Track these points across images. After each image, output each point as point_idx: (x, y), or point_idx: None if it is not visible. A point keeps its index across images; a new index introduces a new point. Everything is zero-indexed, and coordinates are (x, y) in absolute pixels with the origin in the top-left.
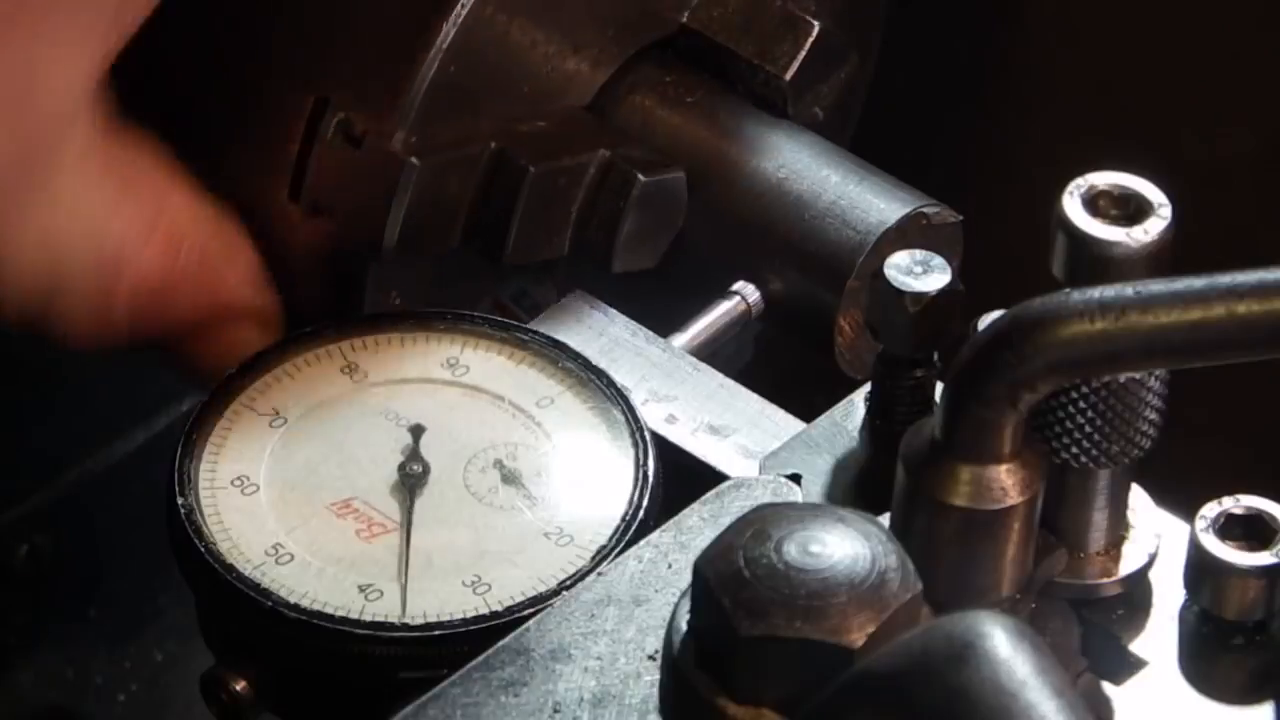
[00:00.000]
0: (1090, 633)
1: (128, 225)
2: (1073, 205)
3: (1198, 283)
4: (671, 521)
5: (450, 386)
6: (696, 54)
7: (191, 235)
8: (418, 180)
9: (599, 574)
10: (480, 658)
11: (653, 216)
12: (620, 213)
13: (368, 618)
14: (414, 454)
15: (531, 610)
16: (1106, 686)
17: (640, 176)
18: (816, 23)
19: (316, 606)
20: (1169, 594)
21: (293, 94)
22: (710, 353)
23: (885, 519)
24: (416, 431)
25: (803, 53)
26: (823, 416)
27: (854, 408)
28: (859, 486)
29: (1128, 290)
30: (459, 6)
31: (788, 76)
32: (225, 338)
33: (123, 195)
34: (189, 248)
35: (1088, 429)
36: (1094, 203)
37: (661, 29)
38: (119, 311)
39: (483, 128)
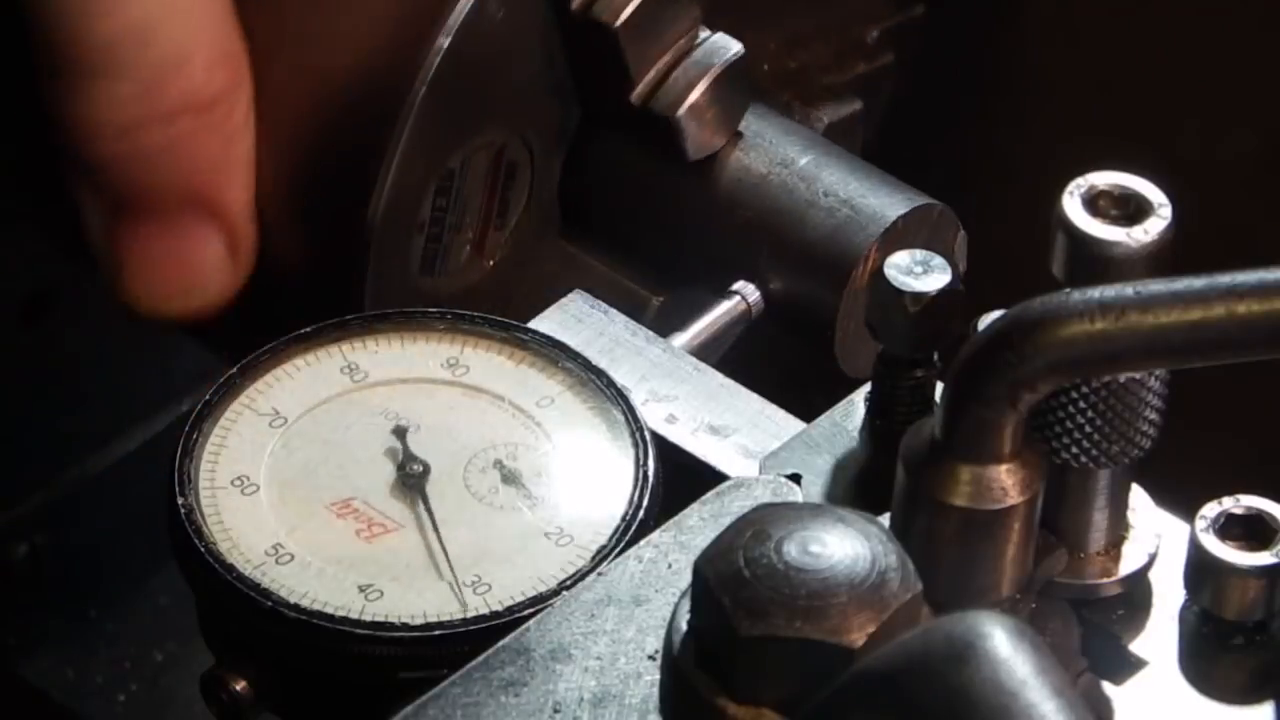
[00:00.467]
0: (1090, 633)
1: (214, 34)
2: (1073, 205)
3: (1198, 283)
4: (671, 521)
5: (450, 386)
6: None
7: (243, 93)
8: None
9: (599, 574)
10: (480, 658)
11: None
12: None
13: (368, 618)
14: (408, 455)
15: (531, 610)
16: (1106, 686)
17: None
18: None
19: (316, 606)
20: (1169, 594)
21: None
22: (710, 353)
23: (885, 519)
24: (400, 433)
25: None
26: (823, 416)
27: (854, 408)
28: (859, 486)
29: (1128, 290)
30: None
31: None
32: (191, 233)
33: (224, 16)
34: (235, 102)
35: (1088, 429)
36: (1094, 203)
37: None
38: (157, 108)
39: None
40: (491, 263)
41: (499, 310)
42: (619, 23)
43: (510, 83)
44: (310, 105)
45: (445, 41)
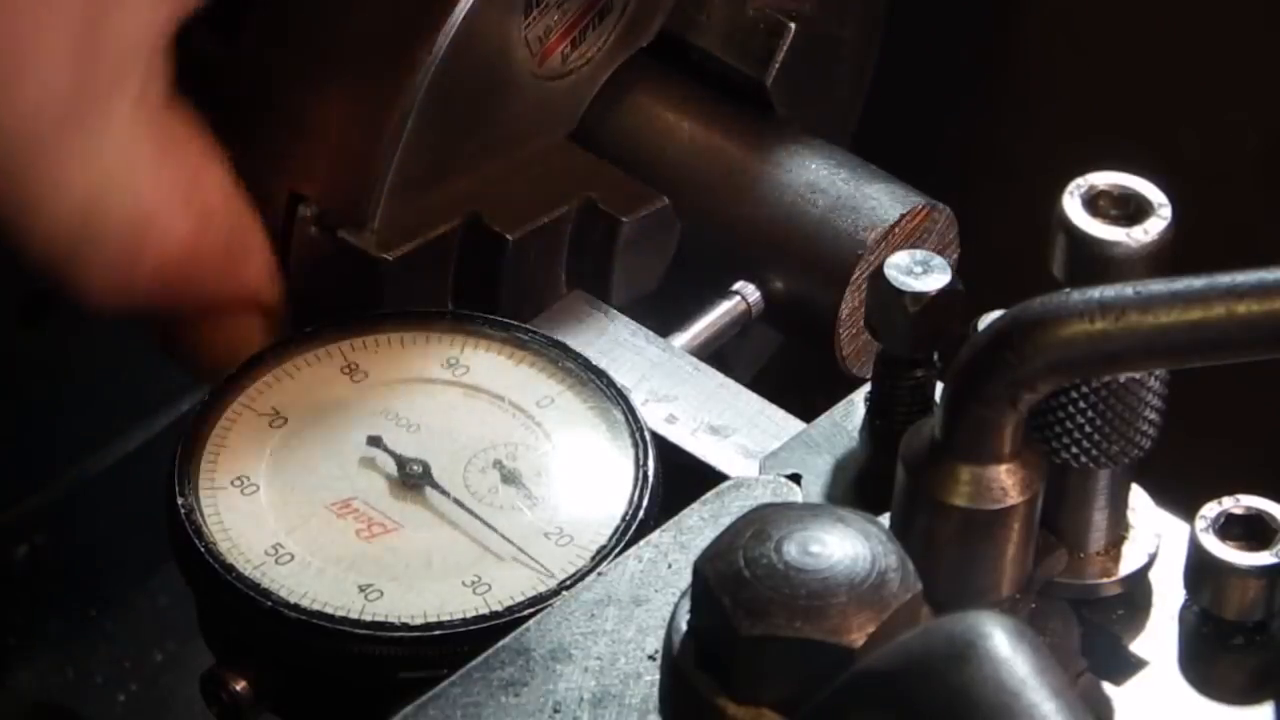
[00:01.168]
0: (1090, 633)
1: (167, 191)
2: (1073, 205)
3: (1198, 283)
4: (671, 521)
5: (450, 386)
6: (680, 60)
7: (221, 215)
8: (393, 275)
9: (599, 574)
10: (480, 658)
11: (645, 249)
12: (611, 256)
13: (368, 618)
14: (399, 458)
15: (531, 610)
16: (1106, 686)
17: (624, 219)
18: (792, 24)
19: (316, 606)
20: (1169, 594)
21: (274, 182)
22: (711, 353)
23: (885, 519)
24: (376, 442)
25: (780, 54)
26: (823, 416)
27: (854, 408)
28: (859, 486)
29: (1128, 290)
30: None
31: (768, 81)
32: (233, 327)
33: (166, 160)
34: (218, 226)
35: (1088, 429)
36: (1094, 203)
37: (643, 37)
38: (142, 276)
39: (460, 188)
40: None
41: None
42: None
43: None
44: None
45: (448, 38)
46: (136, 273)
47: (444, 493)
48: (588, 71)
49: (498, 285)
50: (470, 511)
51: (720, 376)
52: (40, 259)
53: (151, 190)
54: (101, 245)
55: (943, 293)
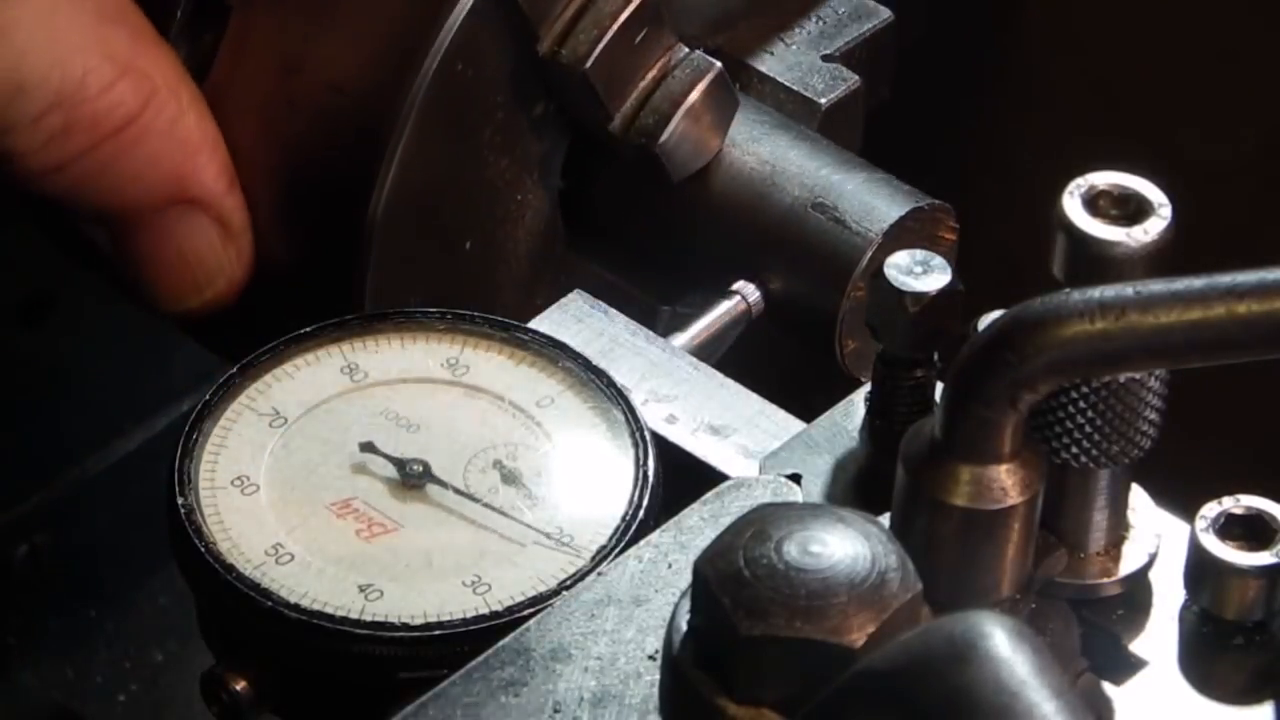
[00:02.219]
0: (1090, 633)
1: (100, 57)
2: (1073, 205)
3: (1198, 283)
4: (671, 521)
5: (450, 386)
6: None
7: (166, 94)
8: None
9: (599, 574)
10: (480, 658)
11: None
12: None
13: (368, 618)
14: (396, 460)
15: (531, 610)
16: (1106, 686)
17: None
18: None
19: (316, 606)
20: (1169, 594)
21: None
22: (710, 353)
23: (885, 519)
24: (369, 447)
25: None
26: (823, 416)
27: (854, 408)
28: (859, 486)
29: (1128, 290)
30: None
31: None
32: (183, 234)
33: (101, 27)
34: (161, 104)
35: (1088, 429)
36: (1094, 203)
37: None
38: (77, 143)
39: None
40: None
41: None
42: (587, 65)
43: (493, 120)
44: (311, 104)
45: (419, 94)
46: (71, 139)
47: (445, 485)
48: None
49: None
50: (473, 498)
51: (720, 376)
52: None
53: (83, 53)
54: (33, 101)
55: (943, 293)
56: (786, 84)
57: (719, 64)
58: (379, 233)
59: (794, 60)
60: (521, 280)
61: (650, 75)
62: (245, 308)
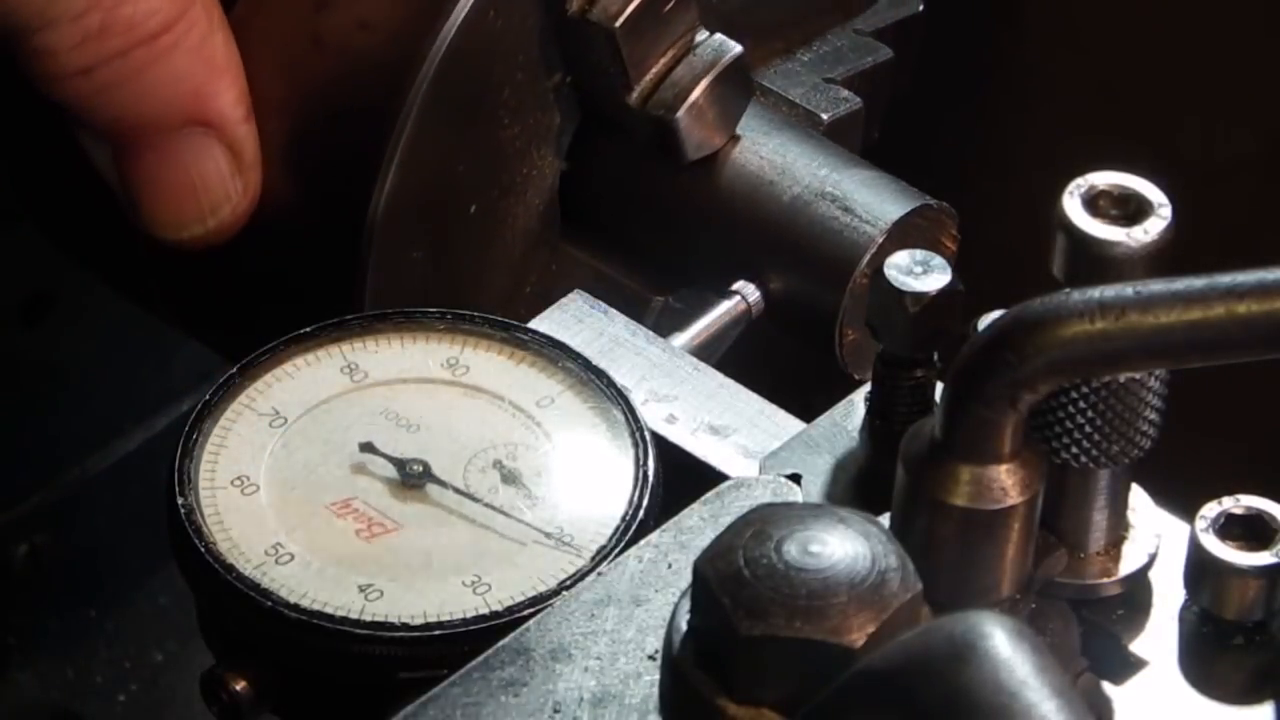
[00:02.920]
0: (1090, 633)
1: None
2: (1073, 205)
3: (1198, 283)
4: (671, 521)
5: (450, 386)
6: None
7: (200, 9)
8: None
9: (599, 574)
10: (480, 658)
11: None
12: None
13: (368, 618)
14: (396, 461)
15: (531, 610)
16: (1106, 686)
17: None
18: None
19: (316, 606)
20: (1169, 594)
21: None
22: (710, 353)
23: (885, 519)
24: (369, 448)
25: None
26: (823, 416)
27: (854, 408)
28: (859, 486)
29: (1128, 290)
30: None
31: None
32: (194, 151)
33: None
34: (195, 19)
35: (1088, 429)
36: (1094, 203)
37: None
38: (110, 45)
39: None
40: None
41: None
42: (618, 24)
43: (512, 80)
44: (338, 41)
45: (447, 39)
46: (102, 48)
47: (444, 484)
48: None
49: None
50: (473, 498)
51: (720, 376)
52: (14, 29)
53: None
54: (68, 9)
55: (943, 293)
56: (791, 99)
57: (740, 47)
58: (396, 170)
59: (797, 79)
60: (514, 260)
61: (673, 50)
62: (245, 308)
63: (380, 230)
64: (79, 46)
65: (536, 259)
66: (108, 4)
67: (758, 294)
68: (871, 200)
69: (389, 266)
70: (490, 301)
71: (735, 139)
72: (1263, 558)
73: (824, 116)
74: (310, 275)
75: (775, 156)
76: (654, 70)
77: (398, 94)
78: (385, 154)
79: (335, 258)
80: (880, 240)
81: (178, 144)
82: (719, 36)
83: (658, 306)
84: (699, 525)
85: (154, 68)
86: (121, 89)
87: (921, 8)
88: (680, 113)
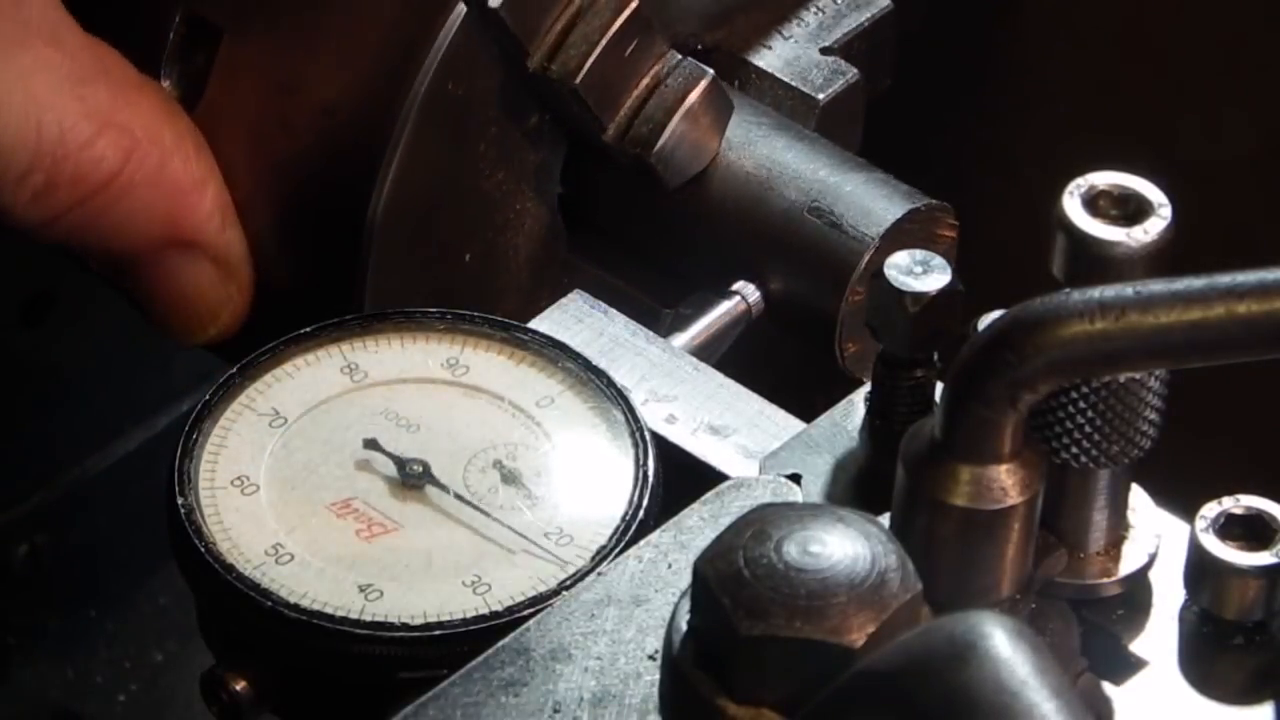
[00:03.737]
0: (1090, 633)
1: (77, 115)
2: (1073, 205)
3: (1198, 283)
4: (671, 521)
5: (450, 386)
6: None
7: (148, 145)
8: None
9: (599, 574)
10: (480, 658)
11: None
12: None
13: (368, 618)
14: (397, 459)
15: (531, 610)
16: (1106, 686)
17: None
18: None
19: (316, 606)
20: (1169, 594)
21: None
22: (710, 353)
23: (885, 519)
24: (373, 444)
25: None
26: (823, 416)
27: (854, 408)
28: (859, 486)
29: (1128, 290)
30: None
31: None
32: (181, 270)
33: (79, 86)
34: (143, 156)
35: (1088, 429)
36: (1094, 203)
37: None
38: (61, 199)
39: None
40: None
41: None
42: (578, 80)
43: (486, 135)
44: (304, 125)
45: (410, 117)
46: (55, 197)
47: (444, 488)
48: None
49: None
50: (471, 504)
51: (720, 376)
52: None
53: (57, 119)
54: (9, 172)
55: (943, 293)
56: (785, 79)
57: (711, 71)
58: (377, 246)
59: (792, 55)
60: (523, 285)
61: (643, 84)
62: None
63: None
64: (32, 204)
65: (546, 280)
66: (47, 163)
67: (758, 294)
68: (874, 199)
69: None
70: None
71: (723, 153)
72: (1263, 558)
73: (819, 97)
74: (310, 275)
75: (763, 170)
76: (626, 106)
77: (371, 173)
78: (365, 230)
79: (335, 262)
80: (870, 254)
81: (163, 264)
82: (689, 62)
83: (668, 319)
84: (699, 525)
85: (116, 208)
86: (89, 231)
87: None
88: (656, 148)
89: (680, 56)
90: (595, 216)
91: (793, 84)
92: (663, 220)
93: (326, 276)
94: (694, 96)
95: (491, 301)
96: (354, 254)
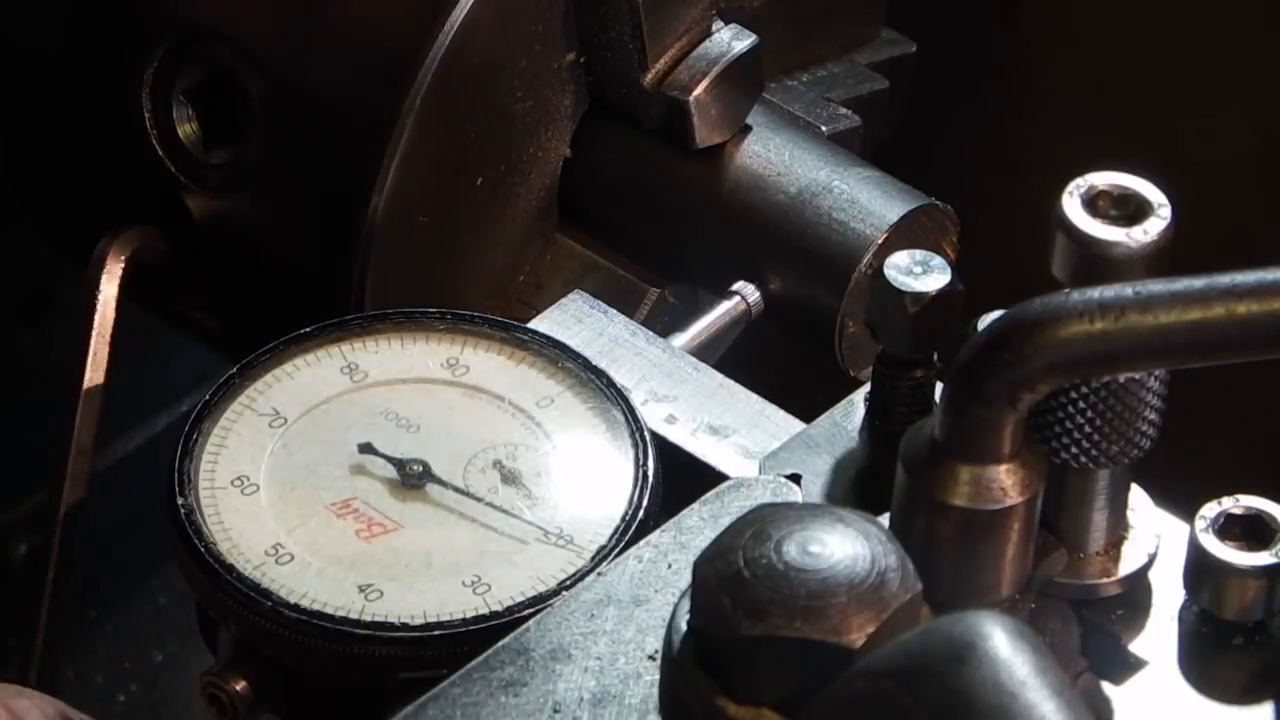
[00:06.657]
0: (1090, 633)
1: None
2: (1072, 205)
3: (1198, 283)
4: (671, 521)
5: (450, 386)
6: None
7: None
8: None
9: (599, 574)
10: (480, 658)
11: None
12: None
13: (368, 618)
14: (396, 461)
15: (531, 610)
16: (1106, 686)
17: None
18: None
19: (316, 606)
20: (1169, 594)
21: None
22: (710, 353)
23: (885, 519)
24: (368, 448)
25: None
26: (823, 416)
27: (854, 408)
28: (859, 486)
29: (1128, 290)
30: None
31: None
32: None
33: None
34: None
35: (1088, 429)
36: (1094, 203)
37: None
38: None
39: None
40: None
41: None
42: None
43: (529, 51)
44: (310, 104)
45: (447, 39)
46: None
47: (445, 484)
48: None
49: None
50: (474, 497)
51: (720, 376)
52: None
53: None
54: None
55: (943, 293)
56: (792, 111)
57: (755, 36)
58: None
59: (797, 95)
60: (512, 243)
61: (689, 35)
62: (246, 308)
63: (380, 230)
64: None
65: (532, 246)
66: None
67: (757, 294)
68: (874, 199)
69: (389, 266)
70: (486, 284)
71: (742, 132)
72: (1262, 558)
73: (824, 129)
74: (310, 275)
75: (780, 153)
76: (670, 53)
77: (430, 26)
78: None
79: (335, 258)
80: (882, 239)
81: None
82: (735, 26)
83: (653, 298)
84: (699, 525)
85: None
86: None
87: (914, 48)
88: (695, 94)
89: (723, 23)
90: (593, 193)
91: (800, 115)
92: (669, 196)
93: (326, 276)
94: (736, 54)
95: (484, 250)
96: (354, 254)
